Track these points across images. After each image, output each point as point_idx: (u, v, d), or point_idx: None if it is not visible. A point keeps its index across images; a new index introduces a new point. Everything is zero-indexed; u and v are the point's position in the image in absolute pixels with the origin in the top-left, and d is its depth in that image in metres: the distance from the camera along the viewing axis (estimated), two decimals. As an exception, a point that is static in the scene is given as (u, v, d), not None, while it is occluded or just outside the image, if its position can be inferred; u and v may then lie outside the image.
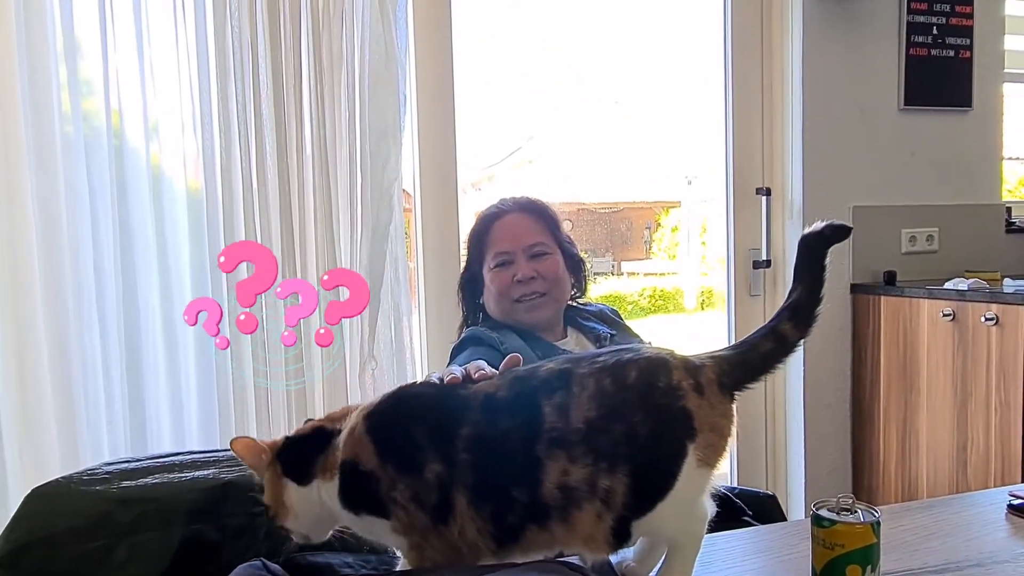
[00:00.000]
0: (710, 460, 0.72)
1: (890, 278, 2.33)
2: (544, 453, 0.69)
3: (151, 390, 1.78)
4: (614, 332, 1.53)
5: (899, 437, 2.27)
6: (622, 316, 1.63)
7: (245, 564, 0.77)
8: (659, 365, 0.73)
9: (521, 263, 1.42)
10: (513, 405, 0.72)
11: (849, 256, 2.36)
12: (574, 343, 1.48)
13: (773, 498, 1.55)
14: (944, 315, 2.11)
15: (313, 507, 0.74)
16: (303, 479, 0.74)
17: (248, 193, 1.77)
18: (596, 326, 1.53)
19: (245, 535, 0.92)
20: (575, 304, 1.57)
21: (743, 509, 1.44)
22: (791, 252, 2.38)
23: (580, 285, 1.55)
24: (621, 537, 0.70)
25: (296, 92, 1.79)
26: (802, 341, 0.78)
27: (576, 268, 1.52)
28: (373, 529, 0.74)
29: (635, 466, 0.69)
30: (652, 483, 0.70)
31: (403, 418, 0.74)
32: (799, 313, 0.77)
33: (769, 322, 0.78)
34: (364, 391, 1.89)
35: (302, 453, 0.75)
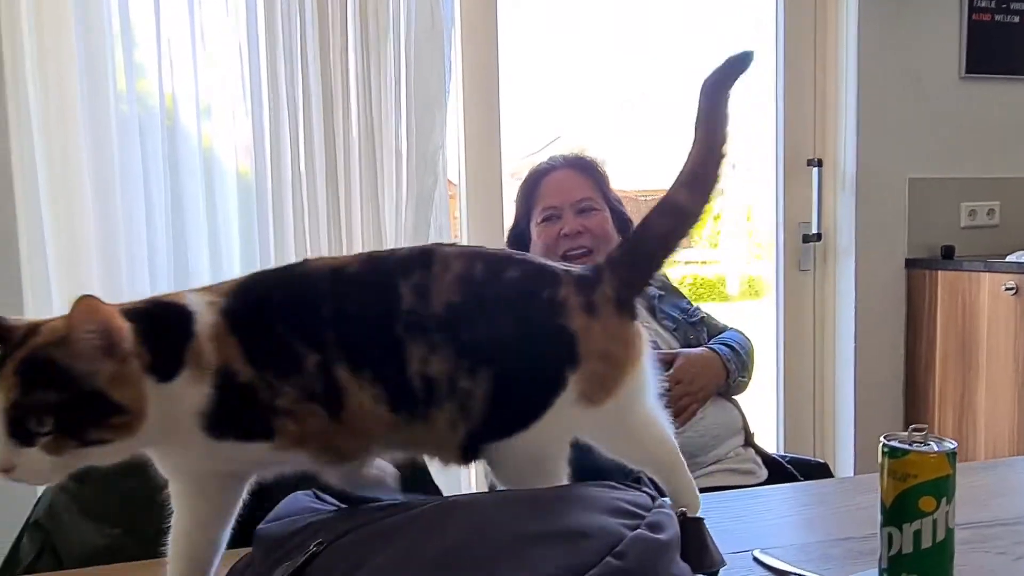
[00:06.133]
0: (594, 395, 0.60)
1: (948, 252, 2.25)
2: (404, 334, 0.59)
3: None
4: (662, 293, 1.51)
5: (956, 416, 2.19)
6: (668, 277, 1.60)
7: (298, 492, 0.76)
8: (547, 274, 0.63)
9: (568, 218, 1.41)
10: (367, 281, 0.62)
11: (905, 230, 2.28)
12: (621, 304, 1.46)
13: (825, 466, 1.52)
14: (1006, 289, 2.02)
15: (164, 416, 0.57)
16: (168, 372, 0.56)
17: (295, 161, 1.79)
18: (644, 287, 1.51)
19: (299, 473, 0.92)
20: (622, 266, 1.54)
21: (795, 476, 1.41)
22: (843, 225, 2.31)
23: (628, 246, 1.52)
24: (469, 454, 0.61)
25: (343, 61, 1.80)
26: (703, 209, 0.67)
27: (624, 228, 1.50)
28: (234, 457, 0.61)
29: (498, 378, 0.59)
30: (514, 407, 0.60)
31: (266, 311, 0.62)
32: (697, 176, 0.66)
33: (664, 196, 0.68)
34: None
35: (166, 337, 0.58)
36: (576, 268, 0.65)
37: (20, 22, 1.60)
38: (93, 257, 1.69)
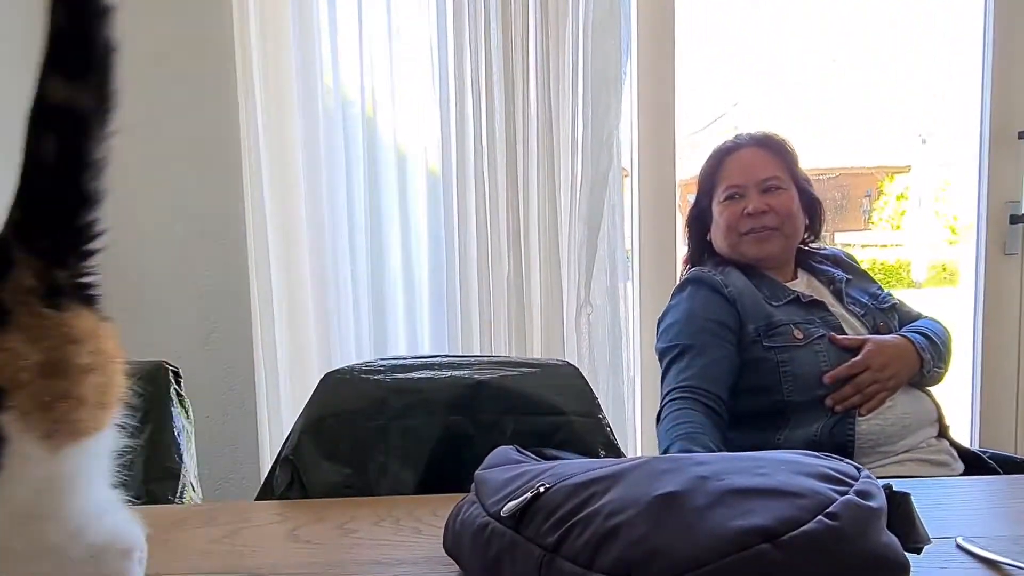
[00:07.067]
0: (67, 428, 0.43)
1: None
2: None
3: (392, 321, 1.99)
4: (850, 276, 1.46)
5: None
6: (856, 260, 1.54)
7: (503, 446, 0.84)
8: None
9: (753, 196, 1.39)
10: None
11: None
12: (805, 285, 1.43)
13: (1032, 464, 1.40)
14: None
15: None
16: None
17: (478, 144, 1.90)
18: (830, 269, 1.46)
19: (495, 431, 1.02)
20: (807, 248, 1.51)
21: (996, 472, 1.32)
22: (1061, 205, 2.08)
23: (815, 227, 1.48)
24: None
25: (523, 46, 1.89)
26: (105, 91, 0.45)
27: (812, 209, 1.46)
28: None
29: None
30: None
31: None
32: (64, 46, 0.43)
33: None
34: (580, 335, 1.97)
35: None
36: None
37: (248, 23, 1.82)
38: (304, 243, 1.92)
